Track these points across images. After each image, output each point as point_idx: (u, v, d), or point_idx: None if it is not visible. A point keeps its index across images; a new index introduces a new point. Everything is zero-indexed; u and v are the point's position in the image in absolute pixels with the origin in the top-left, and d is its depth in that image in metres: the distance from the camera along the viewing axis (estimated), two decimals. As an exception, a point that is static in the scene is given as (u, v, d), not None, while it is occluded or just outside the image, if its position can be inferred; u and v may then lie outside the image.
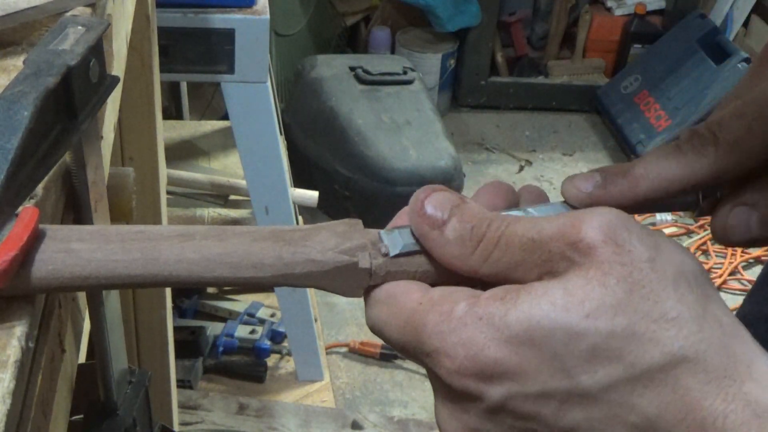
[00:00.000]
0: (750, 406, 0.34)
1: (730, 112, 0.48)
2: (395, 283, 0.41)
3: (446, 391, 0.39)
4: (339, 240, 0.42)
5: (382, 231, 0.43)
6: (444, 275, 0.42)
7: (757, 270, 2.77)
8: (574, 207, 0.46)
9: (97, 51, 0.47)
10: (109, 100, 0.58)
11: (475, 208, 0.40)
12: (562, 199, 0.47)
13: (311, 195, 2.07)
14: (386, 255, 0.42)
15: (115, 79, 0.50)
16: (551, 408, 0.36)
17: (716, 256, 2.79)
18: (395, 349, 0.41)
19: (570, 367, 0.36)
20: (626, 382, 0.35)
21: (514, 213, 0.44)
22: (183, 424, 1.90)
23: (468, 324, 0.37)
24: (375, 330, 0.42)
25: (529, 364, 0.36)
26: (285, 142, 2.35)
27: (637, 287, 0.36)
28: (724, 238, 0.49)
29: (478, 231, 0.39)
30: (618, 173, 0.47)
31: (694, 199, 0.50)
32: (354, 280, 0.42)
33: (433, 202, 0.40)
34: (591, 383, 0.35)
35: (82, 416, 0.62)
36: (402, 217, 0.44)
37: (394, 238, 0.42)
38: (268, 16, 1.53)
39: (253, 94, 1.62)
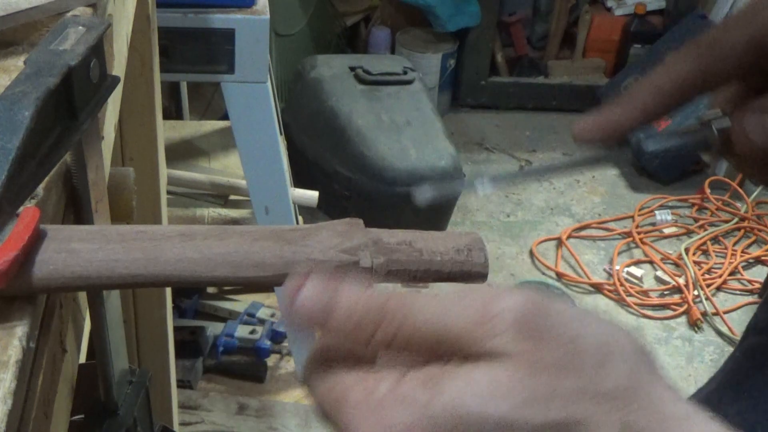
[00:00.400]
0: None
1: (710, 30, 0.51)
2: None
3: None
4: (340, 239, 0.42)
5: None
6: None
7: (758, 270, 2.77)
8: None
9: (98, 51, 0.47)
10: (110, 100, 0.58)
11: (357, 291, 0.36)
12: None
13: (311, 195, 2.07)
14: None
15: (116, 79, 0.50)
16: None
17: (716, 256, 2.78)
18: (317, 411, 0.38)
19: None
20: None
21: None
22: (183, 424, 1.90)
23: (386, 408, 0.35)
24: (305, 382, 0.39)
25: None
26: (285, 142, 2.35)
27: (566, 370, 0.34)
28: (746, 144, 0.50)
29: (368, 319, 0.36)
30: (617, 101, 0.50)
31: (709, 134, 0.51)
32: (355, 280, 0.42)
33: (307, 293, 0.36)
34: None
35: (82, 416, 0.62)
36: None
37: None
38: (268, 16, 1.53)
39: (253, 94, 1.61)
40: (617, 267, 2.72)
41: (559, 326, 0.35)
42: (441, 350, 0.35)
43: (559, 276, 2.71)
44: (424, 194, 0.46)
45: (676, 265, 2.76)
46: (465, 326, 0.35)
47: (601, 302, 2.64)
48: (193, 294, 2.22)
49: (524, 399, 0.33)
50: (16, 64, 0.55)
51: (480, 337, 0.34)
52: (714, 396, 0.67)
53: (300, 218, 2.18)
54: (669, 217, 2.94)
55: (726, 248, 2.81)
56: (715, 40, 0.49)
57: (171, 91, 2.63)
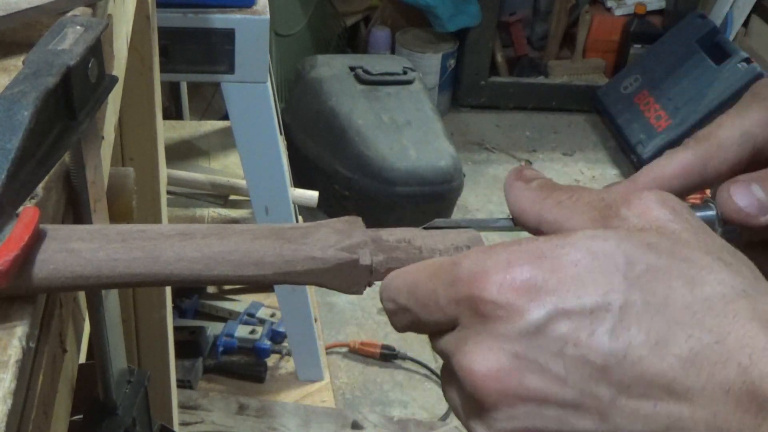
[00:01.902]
0: None
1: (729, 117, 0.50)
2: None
3: (482, 322, 0.36)
4: (339, 237, 0.42)
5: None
6: None
7: (757, 270, 2.77)
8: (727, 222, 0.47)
9: (96, 51, 0.47)
10: (110, 100, 0.58)
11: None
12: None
13: (311, 195, 2.07)
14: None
15: (114, 79, 0.50)
16: (606, 326, 0.34)
17: (716, 255, 2.78)
18: (416, 306, 0.39)
19: (628, 286, 0.34)
20: (685, 306, 0.34)
21: None
22: (183, 424, 1.90)
23: (510, 247, 0.36)
24: (393, 289, 0.40)
25: (584, 280, 0.34)
26: (285, 142, 2.35)
27: (691, 241, 0.36)
28: (736, 215, 0.49)
29: (556, 185, 0.41)
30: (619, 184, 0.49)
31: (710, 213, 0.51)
32: (355, 277, 0.42)
33: (531, 170, 0.43)
34: (651, 300, 0.34)
35: (81, 416, 0.62)
36: None
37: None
38: (268, 16, 1.53)
39: (253, 94, 1.62)
40: (617, 267, 2.72)
41: (692, 217, 0.39)
42: (597, 210, 0.39)
43: (559, 276, 2.70)
44: None
45: (676, 265, 2.75)
46: (623, 193, 0.39)
47: (601, 302, 2.64)
48: (193, 294, 2.22)
49: (652, 242, 0.36)
50: (16, 63, 0.55)
51: (629, 201, 0.39)
52: None
53: (300, 218, 2.18)
54: (669, 217, 2.93)
55: (726, 248, 2.80)
56: (710, 133, 0.48)
57: (171, 91, 2.63)
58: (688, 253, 0.35)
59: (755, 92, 0.51)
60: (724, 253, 0.36)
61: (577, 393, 0.34)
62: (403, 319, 0.40)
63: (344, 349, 2.34)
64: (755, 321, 0.33)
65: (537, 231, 0.41)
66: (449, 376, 0.38)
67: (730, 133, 0.48)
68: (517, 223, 0.43)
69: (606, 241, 0.35)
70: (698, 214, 0.48)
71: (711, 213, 0.48)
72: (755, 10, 3.38)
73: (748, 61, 3.00)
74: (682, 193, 0.49)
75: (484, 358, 0.35)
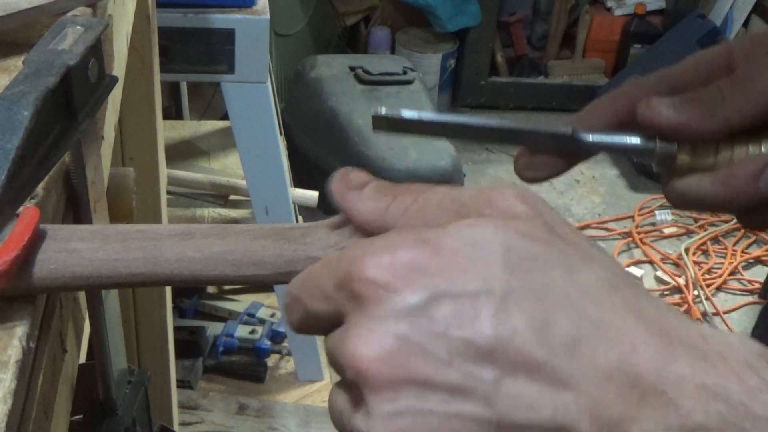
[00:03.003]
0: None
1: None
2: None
3: (365, 308, 0.35)
4: (339, 237, 0.42)
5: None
6: None
7: (758, 270, 2.77)
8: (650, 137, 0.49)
9: (96, 51, 0.47)
10: (110, 100, 0.58)
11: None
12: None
13: (311, 195, 2.07)
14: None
15: (114, 79, 0.50)
16: (489, 310, 0.33)
17: (716, 256, 2.79)
18: (304, 294, 0.37)
19: (511, 268, 0.34)
20: (564, 291, 0.34)
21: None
22: (183, 424, 1.90)
23: (393, 235, 0.36)
24: (292, 283, 0.39)
25: (465, 264, 0.34)
26: (285, 142, 2.35)
27: (560, 236, 0.36)
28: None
29: (396, 189, 0.39)
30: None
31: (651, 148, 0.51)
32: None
33: (356, 173, 0.41)
34: (531, 284, 0.34)
35: (81, 416, 0.62)
36: None
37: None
38: (268, 16, 1.53)
39: (253, 94, 1.62)
40: (617, 267, 2.72)
41: (550, 212, 0.38)
42: (451, 210, 0.38)
43: (559, 276, 2.70)
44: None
45: (676, 265, 2.76)
46: (476, 193, 0.38)
47: (601, 302, 2.64)
48: (193, 294, 2.22)
49: (525, 230, 0.35)
50: (16, 63, 0.55)
51: (488, 198, 0.37)
52: None
53: (300, 218, 2.18)
54: (669, 217, 2.94)
55: (726, 248, 2.81)
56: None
57: (171, 91, 2.63)
58: (561, 245, 0.35)
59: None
60: (593, 249, 0.36)
61: (461, 376, 0.33)
62: (295, 311, 0.38)
63: (344, 349, 2.33)
64: (632, 314, 0.34)
65: None
66: (337, 380, 0.38)
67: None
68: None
69: (485, 230, 0.35)
70: (629, 140, 0.51)
71: (635, 140, 0.50)
72: (755, 10, 3.38)
73: (748, 61, 3.00)
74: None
75: (365, 342, 0.34)
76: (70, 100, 0.45)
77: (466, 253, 0.34)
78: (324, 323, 0.37)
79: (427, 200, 0.38)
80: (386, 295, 0.34)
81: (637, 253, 2.82)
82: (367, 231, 0.40)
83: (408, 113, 0.48)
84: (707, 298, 2.61)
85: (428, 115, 0.48)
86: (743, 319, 2.55)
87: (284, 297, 0.39)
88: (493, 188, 0.38)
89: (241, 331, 2.14)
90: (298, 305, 0.38)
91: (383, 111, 0.47)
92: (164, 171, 1.28)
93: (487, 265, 0.34)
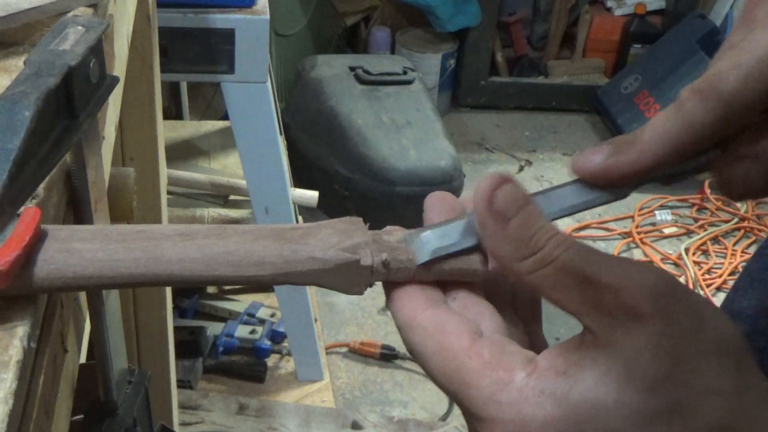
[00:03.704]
0: None
1: (727, 64, 0.47)
2: (442, 316, 0.40)
3: None
4: (340, 237, 0.42)
5: (406, 235, 0.43)
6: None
7: (757, 270, 2.76)
8: (587, 183, 0.46)
9: (97, 51, 0.47)
10: (110, 100, 0.58)
11: (538, 216, 0.39)
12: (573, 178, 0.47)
13: (311, 195, 2.07)
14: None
15: (115, 79, 0.50)
16: None
17: (716, 256, 2.79)
18: (434, 383, 0.41)
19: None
20: None
21: (537, 198, 0.44)
22: (183, 424, 1.90)
23: (529, 398, 0.37)
24: (413, 355, 0.41)
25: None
26: (285, 142, 2.35)
27: (683, 360, 0.36)
28: (728, 192, 0.49)
29: (538, 242, 0.38)
30: (626, 141, 0.48)
31: (704, 162, 0.50)
32: (356, 278, 0.42)
33: (502, 196, 0.39)
34: None
35: (82, 416, 0.62)
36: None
37: (421, 244, 0.42)
38: (268, 16, 1.53)
39: (253, 94, 1.62)
40: (617, 267, 2.72)
41: (685, 316, 0.37)
42: (582, 294, 0.37)
43: (559, 276, 2.71)
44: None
45: (676, 265, 2.76)
46: (614, 281, 0.37)
47: (601, 302, 2.64)
48: (193, 294, 2.22)
49: (650, 383, 0.36)
50: (17, 64, 0.55)
51: (623, 300, 0.37)
52: None
53: (300, 218, 2.18)
54: (669, 217, 2.94)
55: (726, 248, 2.81)
56: (736, 91, 0.46)
57: (171, 91, 2.63)
58: (677, 392, 0.36)
59: (751, 3, 0.50)
60: (716, 368, 0.36)
61: None
62: None
63: (344, 349, 2.34)
64: None
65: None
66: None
67: (758, 92, 0.46)
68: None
69: (617, 395, 0.36)
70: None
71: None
72: (755, 10, 3.38)
73: (748, 61, 3.00)
74: (693, 156, 0.48)
75: None
76: (72, 100, 0.45)
77: (592, 428, 0.36)
78: None
79: (561, 268, 0.38)
80: None
81: (637, 253, 2.82)
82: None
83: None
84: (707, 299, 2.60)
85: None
86: (743, 319, 2.55)
87: None
88: (627, 277, 0.37)
89: (241, 331, 2.14)
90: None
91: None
92: (164, 171, 1.28)
93: None
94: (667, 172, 0.48)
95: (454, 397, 0.39)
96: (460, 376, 0.38)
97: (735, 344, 0.37)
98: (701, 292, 2.61)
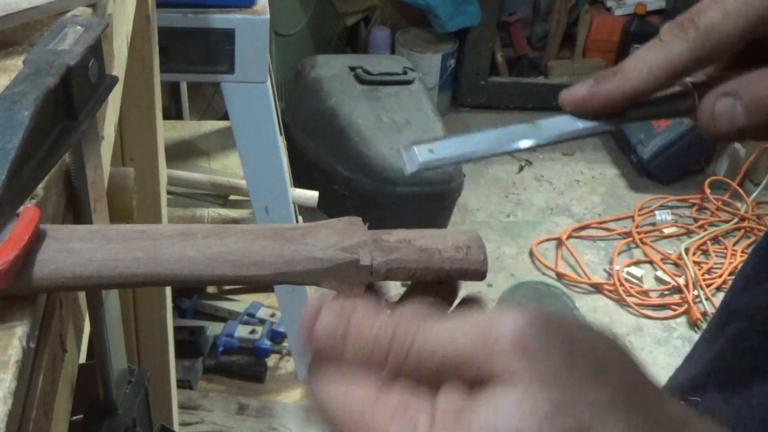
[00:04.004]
0: None
1: (708, 0, 0.49)
2: (346, 374, 0.39)
3: None
4: (339, 237, 0.42)
5: (402, 146, 0.44)
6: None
7: (757, 270, 2.76)
8: (576, 115, 0.49)
9: (96, 51, 0.47)
10: (110, 100, 0.58)
11: (369, 318, 0.38)
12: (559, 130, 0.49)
13: (311, 195, 2.07)
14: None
15: (114, 79, 0.50)
16: None
17: (716, 256, 2.78)
18: None
19: None
20: None
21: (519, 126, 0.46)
22: (183, 424, 1.90)
23: None
24: (317, 404, 0.39)
25: None
26: (285, 142, 2.35)
27: (564, 381, 0.35)
28: (711, 129, 0.50)
29: (381, 347, 0.37)
30: (608, 72, 0.49)
31: (690, 104, 0.51)
32: (355, 278, 0.42)
33: (322, 325, 0.38)
34: None
35: (81, 416, 0.62)
36: None
37: (412, 154, 0.43)
38: (268, 16, 1.53)
39: (253, 94, 1.61)
40: (617, 267, 2.72)
41: (554, 340, 0.36)
42: (449, 373, 0.37)
43: (559, 276, 2.71)
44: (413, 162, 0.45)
45: (676, 265, 2.76)
46: (471, 350, 0.36)
47: (601, 302, 2.65)
48: (193, 294, 2.22)
49: (546, 413, 0.35)
50: (16, 64, 0.55)
51: (485, 360, 0.36)
52: (699, 381, 0.67)
53: (300, 218, 2.18)
54: (669, 217, 2.94)
55: (726, 248, 2.81)
56: (712, 25, 0.48)
57: (171, 91, 2.63)
58: (570, 407, 0.35)
59: None
60: (595, 391, 0.36)
61: None
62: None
63: (344, 349, 2.34)
64: None
65: None
66: None
67: (734, 26, 0.48)
68: None
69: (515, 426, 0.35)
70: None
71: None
72: (755, 10, 3.38)
73: (748, 61, 3.00)
74: (669, 85, 0.50)
75: None
76: (71, 100, 0.45)
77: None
78: None
79: (419, 359, 0.37)
80: None
81: (637, 253, 2.82)
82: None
83: (441, 148, 0.45)
84: (707, 298, 2.60)
85: (458, 140, 0.46)
86: (743, 319, 2.54)
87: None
88: (485, 336, 0.36)
89: (241, 331, 2.14)
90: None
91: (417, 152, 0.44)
92: (164, 171, 1.28)
93: None
94: (652, 112, 0.51)
95: None
96: (369, 425, 0.37)
97: (615, 357, 0.37)
98: (701, 293, 2.61)
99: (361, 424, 0.37)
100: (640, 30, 3.47)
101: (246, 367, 2.11)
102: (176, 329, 1.47)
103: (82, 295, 0.53)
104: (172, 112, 2.63)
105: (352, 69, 2.86)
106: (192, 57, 1.54)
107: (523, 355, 0.35)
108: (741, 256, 2.77)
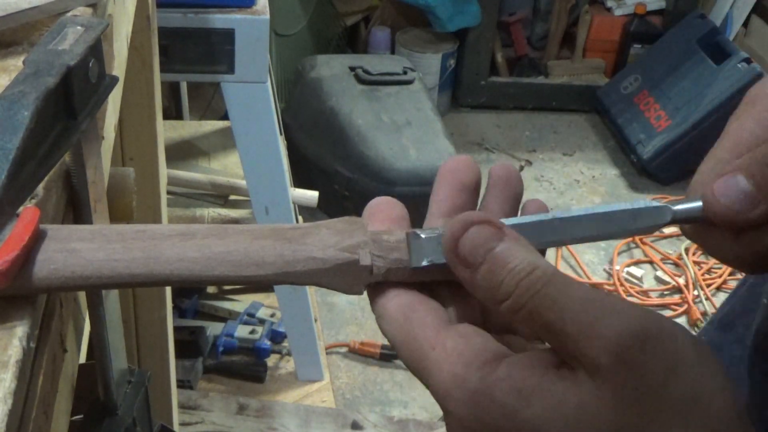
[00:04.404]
0: None
1: None
2: (410, 304, 0.41)
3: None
4: (339, 237, 0.42)
5: (410, 234, 0.42)
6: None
7: (757, 270, 2.76)
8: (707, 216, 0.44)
9: (96, 51, 0.47)
10: (110, 100, 0.58)
11: (507, 257, 0.39)
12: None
13: (311, 195, 2.07)
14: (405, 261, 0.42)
15: (114, 79, 0.50)
16: None
17: (716, 256, 2.78)
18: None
19: None
20: None
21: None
22: (183, 424, 1.90)
23: (479, 403, 0.37)
24: (387, 338, 0.42)
25: None
26: (285, 142, 2.35)
27: (644, 415, 0.36)
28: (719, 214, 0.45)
29: (506, 289, 0.38)
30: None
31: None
32: (355, 278, 0.42)
33: (467, 243, 0.39)
34: None
35: (81, 416, 0.62)
36: (378, 217, 0.45)
37: (421, 248, 0.42)
38: (268, 16, 1.53)
39: (253, 94, 1.62)
40: (617, 267, 2.72)
41: (654, 366, 0.36)
42: (549, 338, 0.38)
43: (559, 276, 2.70)
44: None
45: (676, 265, 2.76)
46: (578, 332, 0.36)
47: (601, 302, 2.64)
48: (193, 294, 2.22)
49: (605, 425, 0.36)
50: (16, 64, 0.55)
51: (584, 350, 0.36)
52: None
53: (300, 218, 2.18)
54: (669, 217, 2.93)
55: (726, 248, 2.80)
56: None
57: (171, 91, 2.63)
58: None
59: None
60: (681, 425, 0.36)
61: None
62: None
63: (344, 349, 2.34)
64: None
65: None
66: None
67: None
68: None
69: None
70: (681, 206, 0.46)
71: (697, 208, 0.45)
72: (755, 10, 3.38)
73: (748, 61, 3.00)
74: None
75: None
76: (71, 100, 0.45)
77: None
78: None
79: (531, 317, 0.38)
80: None
81: (637, 253, 2.82)
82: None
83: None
84: (707, 298, 2.60)
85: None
86: (743, 319, 2.55)
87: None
88: (596, 327, 0.36)
89: (241, 331, 2.14)
90: None
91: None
92: (164, 171, 1.28)
93: None
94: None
95: (422, 383, 0.40)
96: (424, 365, 0.39)
97: (713, 400, 0.36)
98: (701, 292, 2.61)
99: (418, 355, 0.40)
100: (640, 30, 3.47)
101: (246, 367, 2.11)
102: (176, 329, 1.47)
103: (82, 295, 0.53)
104: (172, 112, 2.64)
105: (352, 69, 2.86)
106: (192, 57, 1.54)
107: (622, 362, 0.36)
108: (741, 256, 2.76)
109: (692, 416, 0.36)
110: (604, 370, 0.36)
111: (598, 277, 2.71)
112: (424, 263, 0.41)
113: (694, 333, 2.11)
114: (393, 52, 3.41)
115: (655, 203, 0.46)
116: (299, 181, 2.39)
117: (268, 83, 1.65)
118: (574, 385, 0.37)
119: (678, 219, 0.46)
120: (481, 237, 0.39)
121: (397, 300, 0.41)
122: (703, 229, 0.46)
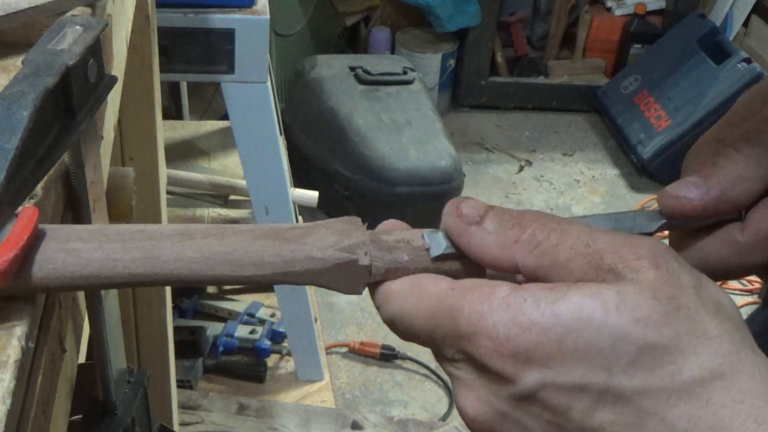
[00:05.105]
0: None
1: None
2: (418, 276, 0.41)
3: (478, 373, 0.39)
4: (338, 237, 0.42)
5: (424, 231, 0.43)
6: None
7: (757, 270, 2.76)
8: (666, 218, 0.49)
9: (96, 51, 0.47)
10: (109, 100, 0.58)
11: (508, 209, 0.40)
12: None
13: (311, 195, 2.07)
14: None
15: (114, 79, 0.50)
16: (583, 404, 0.36)
17: (716, 256, 2.78)
18: (419, 340, 0.40)
19: (611, 366, 0.36)
20: (662, 390, 0.35)
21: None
22: (183, 424, 1.90)
23: (511, 305, 0.37)
24: (395, 322, 0.41)
25: (571, 355, 0.36)
26: (285, 142, 2.35)
27: (683, 306, 0.36)
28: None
29: (522, 219, 0.39)
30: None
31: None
32: (354, 278, 0.42)
33: (467, 205, 0.41)
34: (629, 386, 0.36)
35: (81, 416, 0.62)
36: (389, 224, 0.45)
37: (437, 239, 0.42)
38: (268, 16, 1.53)
39: (253, 94, 1.62)
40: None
41: (687, 275, 0.38)
42: (584, 261, 0.38)
43: (559, 276, 2.70)
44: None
45: (676, 265, 2.75)
46: (614, 244, 0.38)
47: (601, 302, 2.64)
48: (193, 294, 2.22)
49: (644, 315, 0.36)
50: (16, 63, 0.55)
51: (625, 256, 0.37)
52: None
53: (300, 218, 2.18)
54: (669, 217, 2.93)
55: (726, 248, 2.80)
56: (719, 168, 0.49)
57: (171, 91, 2.63)
58: (675, 328, 0.36)
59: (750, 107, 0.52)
60: (715, 320, 0.37)
61: None
62: (397, 332, 0.42)
63: (344, 349, 2.34)
64: (727, 407, 0.35)
65: (513, 274, 0.41)
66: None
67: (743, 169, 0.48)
68: (494, 265, 0.41)
69: (599, 312, 0.36)
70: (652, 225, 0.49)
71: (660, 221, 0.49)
72: (755, 10, 3.38)
73: (748, 61, 3.00)
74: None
75: (473, 406, 0.39)
76: (70, 99, 0.45)
77: (574, 340, 0.36)
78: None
79: (560, 240, 0.39)
80: (499, 379, 0.38)
81: (637, 253, 2.82)
82: (493, 267, 0.41)
83: None
84: (707, 298, 2.60)
85: None
86: (743, 319, 2.55)
87: (386, 322, 0.42)
88: (629, 242, 0.38)
89: (241, 331, 2.14)
90: (398, 331, 0.42)
91: None
92: (164, 171, 1.28)
93: (591, 358, 0.36)
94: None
95: (443, 337, 0.39)
96: (445, 307, 0.39)
97: (731, 311, 0.38)
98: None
99: (435, 303, 0.39)
100: (640, 30, 3.47)
101: (246, 367, 2.11)
102: (176, 329, 1.47)
103: (81, 295, 0.53)
104: (172, 112, 2.64)
105: (352, 69, 2.86)
106: (192, 57, 1.54)
107: (659, 266, 0.37)
108: (741, 256, 2.76)
109: (720, 314, 0.37)
110: (648, 270, 0.37)
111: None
112: (442, 251, 0.42)
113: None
114: (393, 52, 3.41)
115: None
116: (299, 181, 2.39)
117: (268, 83, 1.65)
118: (611, 285, 0.37)
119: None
120: (478, 201, 0.41)
121: (400, 280, 0.42)
122: (678, 240, 0.51)
